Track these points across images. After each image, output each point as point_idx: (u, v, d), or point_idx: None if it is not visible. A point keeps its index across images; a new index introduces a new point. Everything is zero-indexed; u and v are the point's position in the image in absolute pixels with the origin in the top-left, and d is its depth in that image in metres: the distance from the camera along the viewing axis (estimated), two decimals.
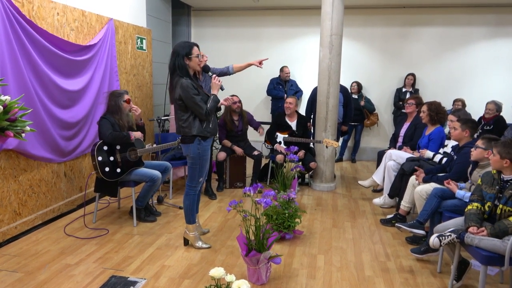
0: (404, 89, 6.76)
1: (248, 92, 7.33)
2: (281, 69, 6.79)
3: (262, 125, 5.30)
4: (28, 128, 2.50)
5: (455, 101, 6.04)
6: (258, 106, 7.52)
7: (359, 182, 4.81)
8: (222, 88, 3.26)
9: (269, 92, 6.90)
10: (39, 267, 2.96)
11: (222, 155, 4.90)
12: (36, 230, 3.66)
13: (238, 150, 5.03)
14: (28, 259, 3.08)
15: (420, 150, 4.17)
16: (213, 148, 4.93)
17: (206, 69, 3.32)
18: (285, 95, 6.55)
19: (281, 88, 6.72)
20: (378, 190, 5.17)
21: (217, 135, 5.27)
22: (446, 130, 4.79)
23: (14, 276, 2.81)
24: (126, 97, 3.77)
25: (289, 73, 6.79)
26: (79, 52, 4.11)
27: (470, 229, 2.55)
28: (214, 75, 3.20)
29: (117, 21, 4.87)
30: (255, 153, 5.06)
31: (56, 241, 3.44)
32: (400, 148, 4.62)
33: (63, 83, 3.86)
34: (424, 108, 4.29)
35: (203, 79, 4.71)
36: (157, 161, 4.28)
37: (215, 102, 3.11)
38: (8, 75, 3.17)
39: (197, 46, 3.15)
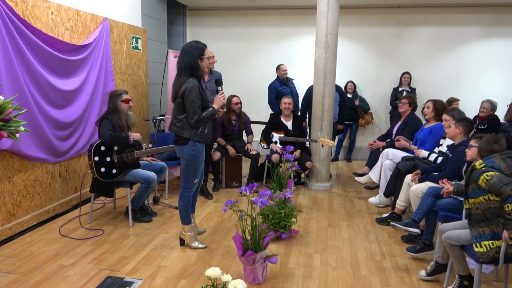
0: (400, 88, 6.78)
1: (245, 92, 7.32)
2: (278, 68, 6.23)
3: (259, 125, 5.29)
4: (22, 128, 2.48)
5: (453, 101, 6.06)
6: (255, 106, 7.51)
7: (356, 178, 4.82)
8: (223, 107, 3.26)
9: (271, 102, 6.15)
10: (34, 268, 2.94)
11: (216, 155, 4.89)
12: (31, 231, 3.64)
13: (231, 150, 5.02)
14: (23, 260, 3.06)
15: (415, 150, 4.18)
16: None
17: (218, 82, 3.33)
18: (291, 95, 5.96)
19: (286, 88, 6.15)
20: (371, 188, 5.19)
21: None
22: None
23: (9, 277, 2.79)
24: (124, 96, 3.75)
25: (287, 70, 6.21)
26: (74, 51, 4.09)
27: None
28: (222, 92, 3.23)
29: (112, 21, 4.84)
30: (253, 152, 5.07)
31: (51, 242, 3.42)
32: (392, 144, 4.62)
33: (57, 83, 3.84)
34: (429, 104, 4.32)
35: (209, 79, 4.71)
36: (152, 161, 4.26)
37: (210, 115, 3.11)
38: (2, 75, 3.14)
39: (206, 47, 3.18)
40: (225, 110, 3.36)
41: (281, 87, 6.12)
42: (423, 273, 2.90)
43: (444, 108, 4.27)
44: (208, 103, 3.16)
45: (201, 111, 3.07)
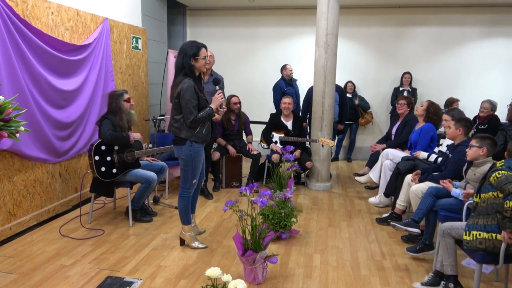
0: (401, 88, 6.79)
1: (244, 92, 7.31)
2: (284, 68, 6.10)
3: (259, 125, 5.28)
4: (22, 128, 2.48)
5: (453, 101, 6.06)
6: (255, 106, 7.50)
7: (356, 178, 4.82)
8: (221, 107, 3.22)
9: (276, 103, 5.97)
10: (34, 268, 2.94)
11: (216, 155, 4.87)
12: (31, 231, 3.64)
13: (232, 150, 5.02)
14: (23, 260, 3.06)
15: (414, 153, 4.19)
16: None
17: (216, 82, 3.29)
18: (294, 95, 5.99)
19: (291, 88, 6.10)
20: (371, 188, 5.19)
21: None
22: (442, 129, 4.82)
23: (9, 278, 2.80)
24: (126, 96, 3.76)
25: (293, 70, 6.15)
26: (74, 51, 4.09)
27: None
28: (219, 91, 3.19)
29: (112, 21, 4.84)
30: (254, 152, 5.07)
31: (51, 242, 3.42)
32: (392, 145, 4.64)
33: (57, 83, 3.84)
34: (425, 104, 4.35)
35: (208, 80, 4.70)
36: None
37: (207, 115, 3.08)
38: (2, 75, 3.15)
39: (205, 47, 3.13)
40: (225, 109, 3.33)
41: (286, 87, 6.06)
42: (417, 284, 2.83)
43: (436, 113, 4.27)
44: (205, 103, 3.13)
45: (197, 111, 3.05)
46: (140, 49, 5.56)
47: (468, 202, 2.87)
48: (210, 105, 3.14)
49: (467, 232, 2.49)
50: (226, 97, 5.04)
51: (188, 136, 3.08)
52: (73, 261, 3.06)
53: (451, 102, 6.09)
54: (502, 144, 4.11)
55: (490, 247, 2.41)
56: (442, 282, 2.68)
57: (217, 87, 3.26)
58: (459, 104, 6.02)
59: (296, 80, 6.40)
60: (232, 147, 5.08)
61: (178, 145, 3.14)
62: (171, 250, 3.31)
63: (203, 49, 3.09)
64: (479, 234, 2.43)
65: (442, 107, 6.13)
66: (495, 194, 2.45)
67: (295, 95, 6.05)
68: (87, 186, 4.46)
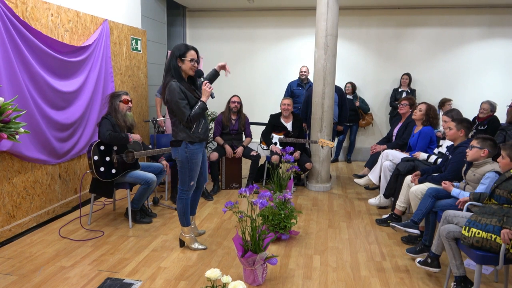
0: (400, 89, 6.80)
1: (244, 93, 7.32)
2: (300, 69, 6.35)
3: (258, 126, 5.27)
4: (22, 129, 2.48)
5: (445, 102, 6.09)
6: (254, 107, 7.51)
7: (355, 180, 4.82)
8: (212, 96, 3.17)
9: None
10: (34, 270, 2.94)
11: (214, 156, 4.86)
12: (31, 232, 3.64)
13: (229, 150, 5.01)
14: (23, 262, 3.06)
15: (413, 154, 4.19)
16: (208, 148, 4.92)
17: (198, 74, 3.17)
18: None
19: (300, 89, 6.26)
20: (371, 189, 5.19)
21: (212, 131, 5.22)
22: (442, 130, 4.83)
23: (8, 279, 2.79)
24: (123, 97, 3.77)
25: (306, 71, 6.22)
26: (74, 53, 4.10)
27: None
28: (205, 81, 3.11)
29: (112, 22, 4.85)
30: (253, 153, 5.07)
31: (51, 243, 3.42)
32: (393, 146, 4.65)
33: (57, 84, 3.84)
34: (422, 107, 4.31)
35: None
36: (153, 162, 4.26)
37: (201, 109, 3.02)
38: (1, 76, 3.15)
39: (195, 50, 3.05)
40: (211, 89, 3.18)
41: (296, 87, 6.27)
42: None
43: (435, 116, 4.26)
44: (195, 101, 3.06)
45: (190, 110, 3.01)
46: (139, 51, 5.56)
47: (468, 203, 2.88)
48: (201, 99, 3.07)
49: (467, 228, 2.50)
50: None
51: (184, 138, 3.06)
52: (72, 263, 3.06)
53: (443, 103, 6.13)
54: (501, 143, 4.12)
55: (485, 247, 2.42)
56: (453, 283, 2.68)
57: (202, 79, 3.21)
58: (451, 104, 6.04)
59: (311, 84, 6.40)
60: (230, 147, 5.07)
61: (174, 147, 3.13)
62: (171, 251, 3.31)
63: (192, 51, 3.01)
64: (478, 233, 2.44)
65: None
66: (510, 206, 2.49)
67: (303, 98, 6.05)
68: (87, 188, 4.46)
